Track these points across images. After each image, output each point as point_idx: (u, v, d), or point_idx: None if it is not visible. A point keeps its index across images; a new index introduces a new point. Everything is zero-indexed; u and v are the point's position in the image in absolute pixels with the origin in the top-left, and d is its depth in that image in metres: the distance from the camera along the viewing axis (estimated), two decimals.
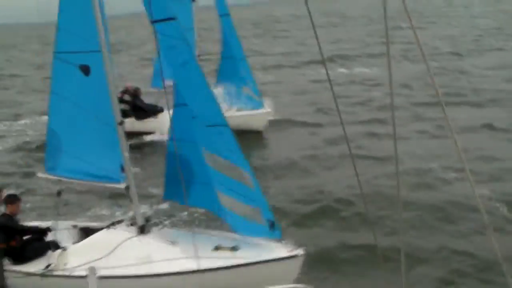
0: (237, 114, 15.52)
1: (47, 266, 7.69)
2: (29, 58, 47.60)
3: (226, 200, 7.46)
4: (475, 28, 43.48)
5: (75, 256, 7.68)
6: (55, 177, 9.15)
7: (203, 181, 7.78)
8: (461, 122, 15.05)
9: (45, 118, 11.06)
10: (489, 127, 15.55)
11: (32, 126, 19.57)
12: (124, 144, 7.66)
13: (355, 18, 66.05)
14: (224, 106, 12.21)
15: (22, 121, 21.04)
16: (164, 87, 7.75)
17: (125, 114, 13.58)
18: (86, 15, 8.08)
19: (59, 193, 9.23)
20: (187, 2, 17.31)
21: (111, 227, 8.17)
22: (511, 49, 31.30)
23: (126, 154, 7.60)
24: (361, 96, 21.12)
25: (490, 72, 24.19)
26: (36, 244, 8.23)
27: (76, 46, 8.39)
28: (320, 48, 3.32)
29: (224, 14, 15.92)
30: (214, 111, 7.27)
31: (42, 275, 7.64)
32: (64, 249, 7.98)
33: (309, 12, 3.17)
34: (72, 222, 9.36)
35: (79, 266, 7.46)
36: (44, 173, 9.39)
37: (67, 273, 7.52)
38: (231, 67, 15.80)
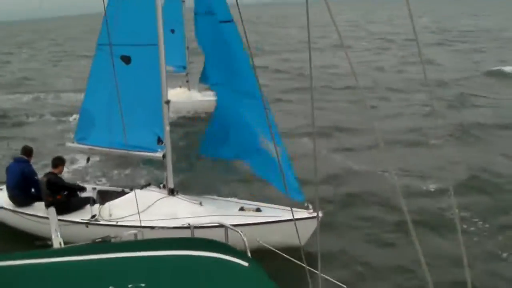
0: None
1: (93, 217, 9.20)
2: None
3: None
4: None
5: (116, 210, 9.20)
6: (86, 146, 10.82)
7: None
8: None
9: None
10: None
11: None
12: (167, 119, 9.42)
13: None
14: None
15: None
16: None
17: None
18: (131, 12, 9.87)
19: (88, 160, 11.00)
20: (177, 2, 19.08)
21: (143, 188, 9.83)
22: None
23: (168, 128, 9.38)
24: None
25: None
26: (77, 199, 9.80)
27: (118, 39, 10.11)
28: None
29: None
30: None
31: (89, 223, 9.12)
32: (101, 204, 9.49)
33: None
34: (92, 185, 11.09)
35: (122, 217, 9.11)
36: (73, 143, 11.07)
37: (113, 223, 9.04)
38: None
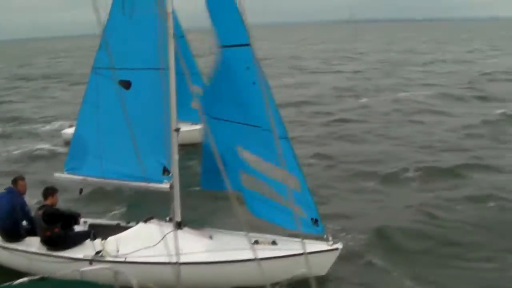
0: (193, 127, 16.28)
1: (97, 253, 8.48)
2: None
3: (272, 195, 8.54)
4: None
5: (122, 245, 8.55)
6: (78, 177, 10.06)
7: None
8: None
9: None
10: None
11: None
12: (175, 148, 8.83)
13: None
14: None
15: None
16: None
17: None
18: (130, 36, 9.29)
19: (81, 191, 10.22)
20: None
21: (147, 221, 9.17)
22: None
23: (176, 157, 8.79)
24: None
25: None
26: (76, 233, 9.10)
27: (117, 63, 9.50)
28: None
29: (178, 36, 17.12)
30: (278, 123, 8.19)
31: (93, 260, 8.36)
32: (103, 238, 8.72)
33: None
34: (83, 218, 10.28)
35: (129, 253, 8.45)
36: (62, 173, 10.28)
37: (120, 259, 8.31)
38: (183, 83, 16.62)
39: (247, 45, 8.01)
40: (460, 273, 9.27)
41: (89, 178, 10.07)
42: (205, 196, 11.46)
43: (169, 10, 8.29)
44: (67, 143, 16.61)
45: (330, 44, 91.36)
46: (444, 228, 11.16)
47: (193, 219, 9.93)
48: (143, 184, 9.28)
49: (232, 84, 8.54)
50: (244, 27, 7.83)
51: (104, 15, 9.22)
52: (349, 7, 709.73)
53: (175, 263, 7.05)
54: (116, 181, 9.83)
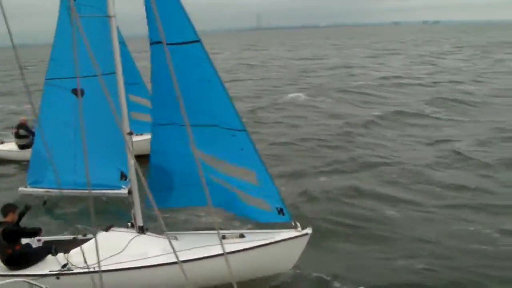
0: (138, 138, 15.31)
1: (64, 266, 8.07)
2: None
3: (236, 193, 8.46)
4: None
5: (88, 256, 8.27)
6: (41, 189, 9.97)
7: (192, 182, 8.64)
8: None
9: None
10: None
11: None
12: (131, 152, 8.69)
13: None
14: None
15: None
16: None
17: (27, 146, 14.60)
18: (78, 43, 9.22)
19: (44, 203, 10.10)
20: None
21: (108, 230, 8.95)
22: None
23: (132, 161, 8.66)
24: None
25: None
26: (36, 249, 8.76)
27: (68, 72, 9.46)
28: None
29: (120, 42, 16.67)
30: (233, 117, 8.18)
31: (60, 274, 7.95)
32: (66, 251, 8.41)
33: None
34: (37, 237, 9.82)
35: (96, 263, 8.17)
36: (26, 187, 10.18)
37: (88, 269, 8.00)
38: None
39: (197, 41, 7.90)
40: None
41: (52, 190, 9.97)
42: None
43: (112, 13, 8.22)
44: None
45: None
46: None
47: (157, 225, 9.87)
48: (102, 191, 9.17)
49: (180, 83, 8.46)
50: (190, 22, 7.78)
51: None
52: (258, 15, 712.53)
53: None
54: (76, 191, 9.64)
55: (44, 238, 9.63)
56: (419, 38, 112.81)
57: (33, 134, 16.20)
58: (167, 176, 8.97)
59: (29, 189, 10.18)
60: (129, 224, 9.14)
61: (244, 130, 8.20)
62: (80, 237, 9.36)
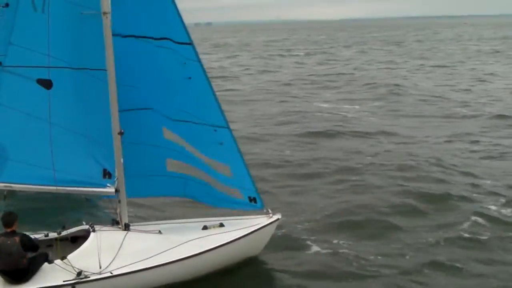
0: None
1: (79, 274, 7.66)
2: None
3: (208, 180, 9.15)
4: None
5: (91, 260, 7.86)
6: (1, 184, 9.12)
7: (167, 173, 9.16)
8: None
9: None
10: None
11: None
12: (120, 151, 8.42)
13: None
14: None
15: None
16: None
17: None
18: (49, 33, 8.42)
19: (4, 197, 9.31)
20: None
21: (96, 230, 8.50)
22: None
23: (121, 160, 8.40)
24: None
25: None
26: (35, 256, 7.96)
27: (33, 61, 8.61)
28: None
29: None
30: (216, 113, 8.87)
31: (78, 283, 7.61)
32: (63, 258, 7.90)
33: None
34: None
35: (106, 267, 7.85)
36: None
37: (106, 275, 7.77)
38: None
39: (189, 43, 8.48)
40: None
41: (14, 185, 9.21)
42: None
43: (106, 9, 7.73)
44: None
45: None
46: None
47: (140, 216, 9.79)
48: (81, 189, 8.79)
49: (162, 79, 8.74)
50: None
51: None
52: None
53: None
54: (47, 187, 9.00)
55: None
56: None
57: None
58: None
59: None
60: (113, 221, 8.93)
61: (227, 127, 8.96)
62: (53, 236, 8.82)
